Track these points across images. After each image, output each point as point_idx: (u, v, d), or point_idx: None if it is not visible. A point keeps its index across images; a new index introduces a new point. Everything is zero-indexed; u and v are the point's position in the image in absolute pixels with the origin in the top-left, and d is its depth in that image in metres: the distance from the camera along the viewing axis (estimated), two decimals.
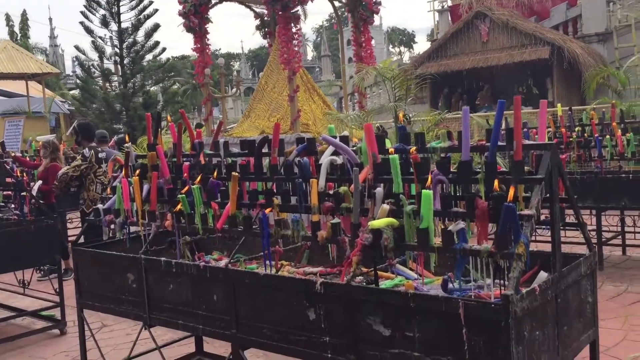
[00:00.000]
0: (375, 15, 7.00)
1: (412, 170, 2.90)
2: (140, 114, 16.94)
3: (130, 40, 19.31)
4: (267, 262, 3.11)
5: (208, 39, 6.71)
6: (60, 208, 8.03)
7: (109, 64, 19.53)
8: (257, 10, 7.32)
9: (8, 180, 5.83)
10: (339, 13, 7.43)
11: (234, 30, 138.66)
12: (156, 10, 19.36)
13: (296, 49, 6.00)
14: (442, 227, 2.58)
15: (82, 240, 4.35)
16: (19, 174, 6.31)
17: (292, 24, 5.88)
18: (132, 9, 19.34)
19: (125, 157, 3.89)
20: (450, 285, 2.92)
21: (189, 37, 6.95)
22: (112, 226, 3.94)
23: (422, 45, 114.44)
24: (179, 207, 3.45)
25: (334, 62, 71.82)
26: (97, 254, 3.82)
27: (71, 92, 28.43)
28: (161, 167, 3.66)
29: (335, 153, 3.11)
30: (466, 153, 2.60)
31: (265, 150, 3.39)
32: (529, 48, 17.29)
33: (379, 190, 2.73)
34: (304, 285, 2.77)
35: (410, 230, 2.62)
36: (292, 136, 5.81)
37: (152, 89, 20.02)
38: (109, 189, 3.96)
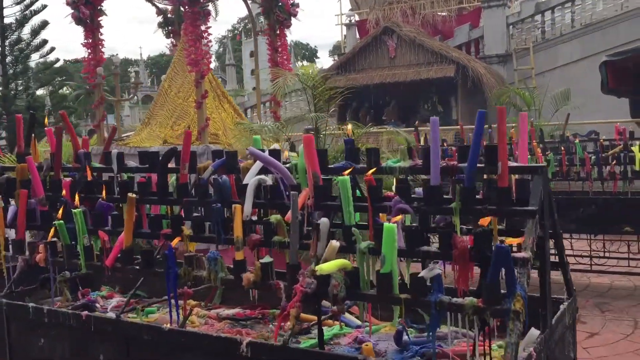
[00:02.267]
0: (292, 17, 6.45)
1: (359, 195, 2.34)
2: (24, 118, 15.27)
3: (14, 37, 17.56)
4: (173, 311, 2.40)
5: (102, 34, 5.83)
6: None
7: None
8: (160, 5, 6.56)
9: None
10: (253, 15, 6.82)
11: (132, 35, 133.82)
12: (45, 7, 17.76)
13: (205, 48, 5.31)
14: (407, 271, 2.02)
15: None
16: None
17: (201, 21, 5.19)
18: (18, 3, 17.63)
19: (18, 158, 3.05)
20: (405, 337, 2.36)
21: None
22: None
23: (324, 60, 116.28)
24: (51, 235, 2.66)
25: (238, 73, 70.96)
26: None
27: None
28: (33, 183, 2.85)
29: (263, 171, 2.47)
30: (436, 175, 2.05)
31: (172, 165, 2.69)
32: (435, 66, 17.45)
33: (324, 222, 2.12)
34: (223, 345, 2.10)
35: (366, 274, 2.03)
36: (200, 147, 5.10)
37: (39, 92, 18.29)
38: None
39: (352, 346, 2.38)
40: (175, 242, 2.40)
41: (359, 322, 2.59)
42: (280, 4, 6.20)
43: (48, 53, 17.82)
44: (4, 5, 17.52)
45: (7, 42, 17.36)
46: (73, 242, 2.62)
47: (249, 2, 6.33)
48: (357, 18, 23.00)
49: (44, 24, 17.72)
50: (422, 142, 6.93)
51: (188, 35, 5.24)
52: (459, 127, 12.52)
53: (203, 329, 2.67)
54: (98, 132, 5.91)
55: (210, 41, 5.30)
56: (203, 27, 5.27)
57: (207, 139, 5.39)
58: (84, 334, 2.42)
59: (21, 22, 17.55)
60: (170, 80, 5.92)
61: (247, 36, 73.08)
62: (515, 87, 16.84)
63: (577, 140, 6.30)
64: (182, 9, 6.48)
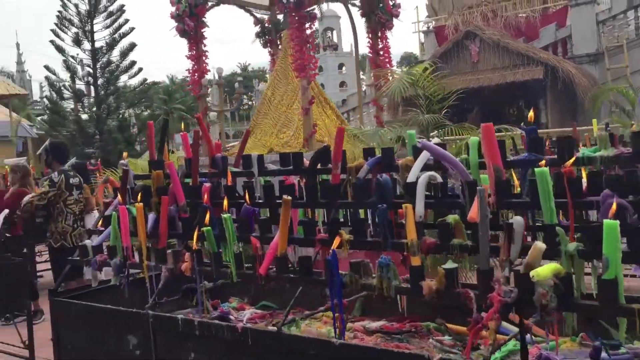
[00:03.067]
0: (395, 19, 6.23)
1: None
2: (115, 138, 15.86)
3: (105, 59, 18.31)
4: (337, 322, 2.19)
5: (205, 45, 5.82)
6: (29, 240, 6.95)
7: (80, 85, 18.49)
8: (258, 15, 6.50)
9: None
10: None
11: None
12: (132, 29, 18.44)
13: (311, 53, 5.17)
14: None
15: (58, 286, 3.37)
16: None
17: (307, 25, 5.04)
18: (107, 27, 18.39)
19: (123, 178, 2.96)
20: (604, 355, 2.06)
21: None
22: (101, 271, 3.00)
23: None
24: (195, 242, 2.53)
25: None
26: (86, 307, 2.85)
27: (39, 117, 27.16)
28: (173, 190, 2.74)
29: (427, 167, 2.24)
30: None
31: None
32: (521, 68, 16.79)
33: (518, 221, 1.86)
34: None
35: (579, 281, 1.75)
36: (309, 155, 4.93)
37: (125, 113, 18.95)
38: (100, 221, 3.01)
39: None
40: (335, 245, 2.20)
41: (514, 330, 2.30)
42: (381, 5, 6.00)
43: (136, 74, 18.46)
44: (95, 30, 18.30)
45: (98, 65, 18.10)
46: (219, 250, 2.48)
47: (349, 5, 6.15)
48: (434, 24, 22.56)
49: (132, 46, 18.37)
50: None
51: (294, 41, 5.12)
52: (549, 130, 11.94)
53: (354, 342, 2.46)
54: (202, 142, 5.88)
55: (315, 46, 5.13)
56: (308, 32, 5.14)
57: (315, 146, 5.24)
58: (240, 348, 2.25)
59: (111, 44, 18.25)
60: (273, 88, 5.82)
61: (317, 51, 73.23)
62: (609, 86, 15.92)
63: None
64: (280, 15, 6.41)
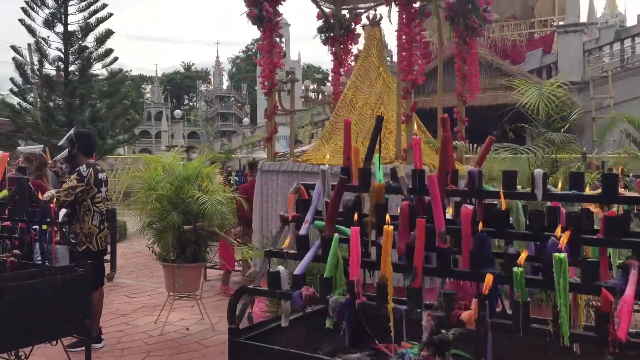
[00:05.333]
0: (486, 24, 5.74)
1: None
2: (90, 129, 14.66)
3: (78, 45, 17.06)
4: None
5: (281, 35, 5.12)
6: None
7: (51, 70, 17.17)
8: (325, 9, 5.84)
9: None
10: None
11: (146, 53, 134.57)
12: (111, 15, 17.29)
13: (417, 54, 4.58)
14: None
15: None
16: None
17: (417, 22, 4.45)
18: (82, 10, 17.13)
19: (362, 175, 2.31)
20: None
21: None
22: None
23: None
24: (487, 285, 1.89)
25: (250, 94, 70.76)
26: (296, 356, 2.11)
27: None
28: (434, 210, 2.09)
29: None
30: None
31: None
32: (514, 90, 16.70)
33: None
34: None
35: None
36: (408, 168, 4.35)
37: (98, 104, 17.69)
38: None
39: None
40: None
41: None
42: (471, 6, 5.48)
43: (111, 63, 17.28)
44: (69, 12, 17.05)
45: (70, 50, 16.84)
46: None
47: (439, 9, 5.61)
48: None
49: (109, 33, 17.21)
50: None
51: (401, 38, 4.53)
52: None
53: None
54: (268, 144, 5.19)
55: (422, 42, 4.55)
56: (416, 30, 4.55)
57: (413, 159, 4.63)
58: None
59: (85, 29, 17.04)
60: (355, 89, 5.19)
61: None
62: (623, 114, 16.11)
63: None
64: (344, 10, 5.81)
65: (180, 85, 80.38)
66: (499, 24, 19.92)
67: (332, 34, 6.00)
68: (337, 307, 2.12)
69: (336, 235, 2.14)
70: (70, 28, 16.98)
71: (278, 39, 5.18)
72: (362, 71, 5.29)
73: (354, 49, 5.86)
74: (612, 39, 17.96)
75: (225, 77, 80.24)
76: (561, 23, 18.66)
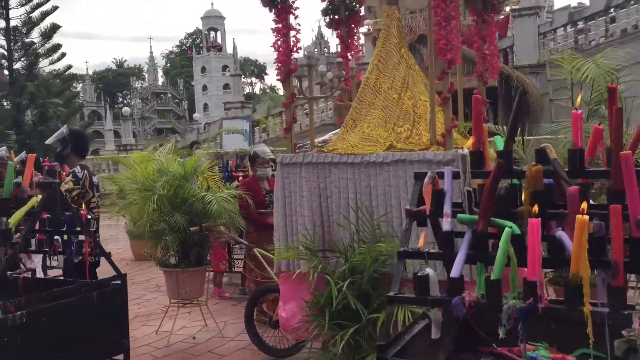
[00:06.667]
0: (501, 3, 5.52)
1: None
2: (42, 130, 13.79)
3: (22, 41, 16.01)
4: None
5: (297, 17, 4.72)
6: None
7: None
8: None
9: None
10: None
11: (74, 50, 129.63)
12: (55, 8, 16.29)
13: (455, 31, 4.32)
14: None
15: None
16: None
17: None
18: (23, 4, 16.08)
19: (504, 159, 2.00)
20: None
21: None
22: None
23: (272, 78, 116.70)
24: None
25: (187, 89, 69.54)
26: None
27: None
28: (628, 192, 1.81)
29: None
30: None
31: None
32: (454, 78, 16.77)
33: None
34: None
35: None
36: (447, 154, 4.09)
37: (46, 103, 16.65)
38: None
39: None
40: None
41: None
42: None
43: (59, 59, 16.32)
44: (10, 6, 15.97)
45: (14, 47, 15.78)
46: None
47: None
48: (372, 28, 22.22)
49: (55, 27, 16.23)
50: None
51: (438, 15, 4.24)
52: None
53: None
54: (287, 135, 4.82)
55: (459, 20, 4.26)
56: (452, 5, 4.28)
57: (453, 144, 4.40)
58: None
59: (28, 24, 16.01)
60: (378, 72, 4.87)
61: (198, 52, 71.45)
62: (551, 98, 16.47)
63: None
64: None
65: (113, 82, 78.11)
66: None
67: (337, 16, 5.64)
68: (515, 313, 1.82)
69: (508, 229, 1.82)
70: (13, 23, 15.93)
71: (294, 20, 4.80)
72: (383, 53, 4.97)
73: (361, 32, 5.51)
74: (565, 21, 18.30)
75: (159, 73, 78.45)
76: (515, 7, 18.86)
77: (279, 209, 4.73)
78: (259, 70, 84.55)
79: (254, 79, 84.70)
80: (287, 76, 4.77)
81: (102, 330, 3.20)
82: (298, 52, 4.77)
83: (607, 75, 4.51)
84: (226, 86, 65.65)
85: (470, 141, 2.07)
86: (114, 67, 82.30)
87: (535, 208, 1.80)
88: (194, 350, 5.61)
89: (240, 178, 7.98)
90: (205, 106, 64.66)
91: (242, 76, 60.67)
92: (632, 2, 17.26)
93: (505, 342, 2.39)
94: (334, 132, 5.04)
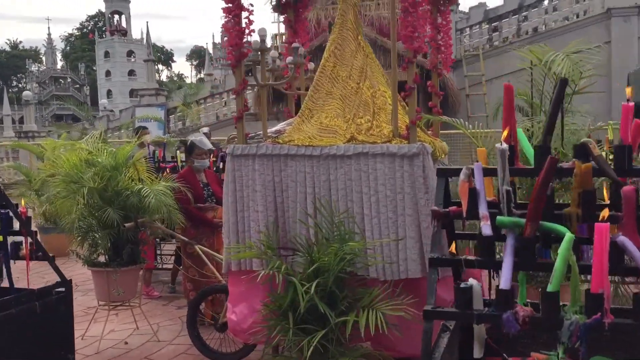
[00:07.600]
0: None
1: None
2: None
3: None
4: None
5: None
6: None
7: None
8: None
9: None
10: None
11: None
12: None
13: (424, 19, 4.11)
14: None
15: None
16: None
17: None
18: None
19: (541, 154, 1.80)
20: None
21: None
22: None
23: (180, 65, 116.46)
24: None
25: (89, 74, 66.62)
26: None
27: None
28: None
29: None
30: None
31: None
32: (398, 70, 16.90)
33: None
34: None
35: None
36: (413, 147, 3.92)
37: None
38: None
39: None
40: None
41: None
42: None
43: None
44: None
45: None
46: None
47: None
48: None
49: None
50: None
51: (403, 2, 4.04)
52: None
53: None
54: (239, 125, 4.44)
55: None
56: None
57: (416, 136, 4.20)
58: None
59: None
60: (335, 59, 4.59)
61: (101, 35, 68.19)
62: (468, 93, 17.04)
63: None
64: None
65: (7, 65, 73.19)
66: (375, 2, 20.04)
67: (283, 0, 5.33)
68: (579, 330, 1.64)
69: (570, 235, 1.63)
70: None
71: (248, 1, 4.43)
72: (339, 40, 4.72)
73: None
74: (481, 18, 18.81)
75: (59, 57, 74.28)
76: None
77: (229, 204, 4.37)
78: (165, 57, 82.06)
79: (160, 66, 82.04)
80: (238, 61, 4.41)
81: (45, 345, 2.75)
82: (251, 35, 4.43)
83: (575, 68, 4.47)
84: (131, 72, 62.96)
85: (505, 132, 1.89)
86: (7, 48, 76.96)
87: (605, 212, 1.62)
88: (128, 357, 5.15)
89: (168, 170, 7.50)
90: (109, 92, 61.81)
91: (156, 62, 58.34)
92: (544, 2, 18.05)
93: (514, 351, 2.22)
94: (287, 121, 4.73)
